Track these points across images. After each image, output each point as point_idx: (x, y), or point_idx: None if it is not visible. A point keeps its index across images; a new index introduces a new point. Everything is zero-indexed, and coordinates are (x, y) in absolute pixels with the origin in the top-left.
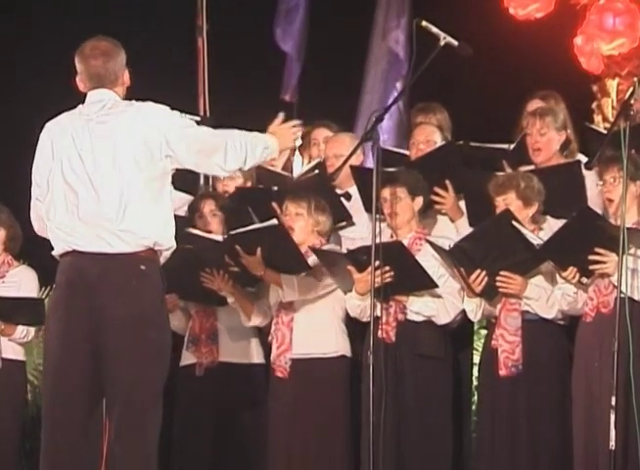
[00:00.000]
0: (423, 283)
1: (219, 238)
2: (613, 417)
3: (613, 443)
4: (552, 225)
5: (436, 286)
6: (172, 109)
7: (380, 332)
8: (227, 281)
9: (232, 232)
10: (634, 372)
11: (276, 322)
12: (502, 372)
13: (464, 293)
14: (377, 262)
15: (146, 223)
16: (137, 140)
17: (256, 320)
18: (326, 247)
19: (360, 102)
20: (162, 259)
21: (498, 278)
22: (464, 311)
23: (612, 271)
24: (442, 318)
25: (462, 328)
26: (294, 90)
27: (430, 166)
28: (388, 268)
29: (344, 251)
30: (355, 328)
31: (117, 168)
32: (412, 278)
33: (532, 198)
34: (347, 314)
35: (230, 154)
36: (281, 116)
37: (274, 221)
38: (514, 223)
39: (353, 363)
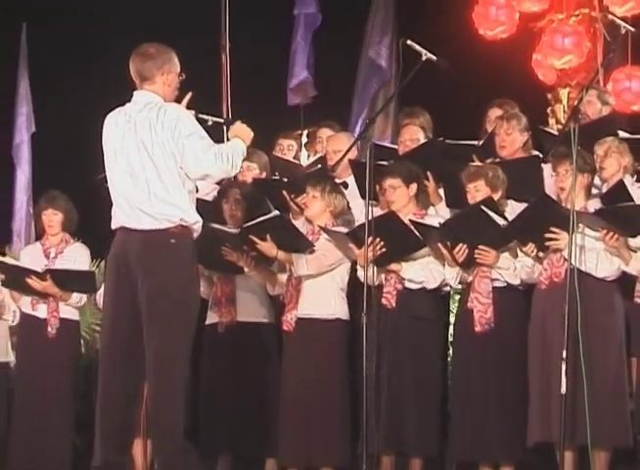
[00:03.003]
0: (415, 244)
1: (235, 231)
2: (564, 367)
3: (564, 388)
4: (515, 208)
5: (424, 245)
6: (201, 112)
7: (383, 299)
8: (251, 264)
9: (244, 225)
10: (581, 330)
11: (287, 285)
12: (477, 329)
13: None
14: (370, 239)
15: (171, 206)
16: (157, 141)
17: (280, 289)
18: (335, 228)
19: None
20: (196, 234)
21: (476, 251)
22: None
23: (563, 247)
24: (431, 284)
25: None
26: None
27: (414, 160)
28: (379, 240)
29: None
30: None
31: (145, 163)
32: (405, 241)
33: (498, 185)
34: (356, 283)
35: (219, 163)
36: (238, 122)
37: (276, 212)
38: (484, 209)
39: (354, 325)
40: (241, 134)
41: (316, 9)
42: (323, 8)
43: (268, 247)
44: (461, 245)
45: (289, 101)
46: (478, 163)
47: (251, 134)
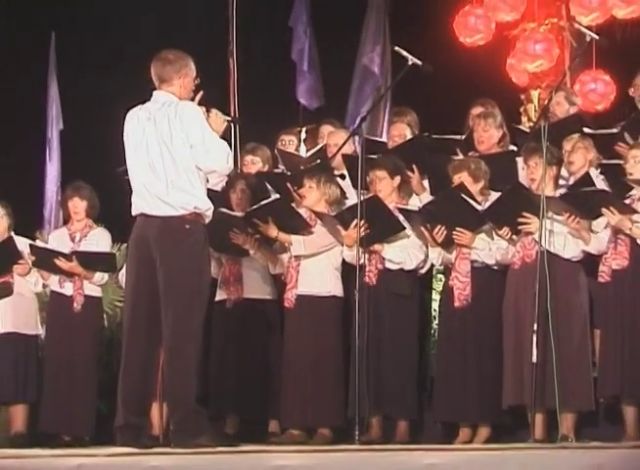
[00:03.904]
0: (395, 227)
1: (241, 214)
2: (534, 339)
3: (534, 357)
4: (494, 196)
5: (404, 228)
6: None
7: (365, 277)
8: (255, 245)
9: (248, 209)
10: (550, 305)
11: (288, 266)
12: (457, 304)
13: (428, 246)
14: (355, 222)
15: (187, 194)
16: (175, 135)
17: (279, 269)
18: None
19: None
20: (208, 220)
21: (454, 232)
22: (424, 261)
23: (534, 230)
24: (408, 265)
25: (426, 274)
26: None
27: (402, 153)
28: (364, 222)
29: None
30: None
31: (163, 155)
32: (387, 224)
33: (480, 176)
34: (342, 263)
35: (229, 162)
36: (213, 111)
37: (277, 196)
38: (462, 195)
39: (346, 301)
40: (215, 126)
41: (306, 24)
42: (320, 18)
43: (270, 229)
44: (440, 227)
45: (306, 104)
46: (461, 156)
47: (225, 125)
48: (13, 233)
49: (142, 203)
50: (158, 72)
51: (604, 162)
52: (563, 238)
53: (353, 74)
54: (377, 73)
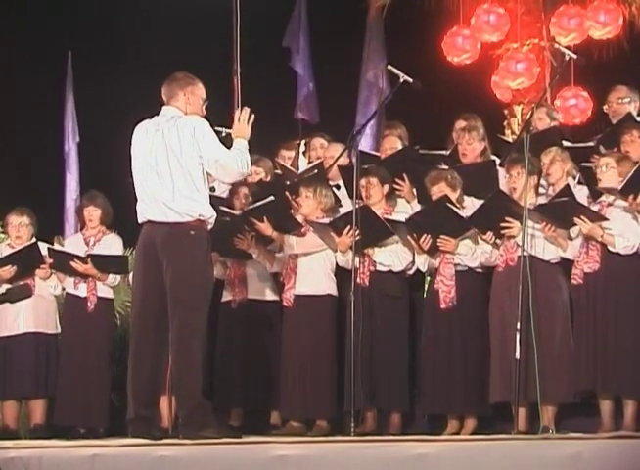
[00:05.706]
0: (384, 232)
1: (238, 213)
2: (518, 337)
3: (518, 354)
4: (475, 203)
5: (393, 234)
6: (215, 125)
7: (358, 279)
8: (253, 242)
9: (245, 209)
10: (532, 306)
11: (286, 267)
12: (442, 306)
13: (414, 251)
14: (348, 227)
15: (193, 201)
16: (183, 146)
17: (276, 268)
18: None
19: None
20: (210, 226)
21: (439, 240)
22: (412, 263)
23: (516, 233)
24: (397, 267)
25: (416, 276)
26: (306, 108)
27: (393, 164)
28: (356, 229)
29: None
30: (343, 275)
31: (170, 165)
32: (376, 230)
33: (457, 186)
34: (336, 266)
35: (240, 168)
36: (237, 112)
37: (271, 198)
38: (448, 204)
39: (340, 300)
40: (241, 133)
41: (301, 44)
42: (322, 35)
43: (265, 227)
44: (425, 235)
45: (300, 114)
46: (445, 167)
47: (249, 130)
48: (35, 239)
49: (148, 210)
50: (165, 90)
51: (583, 164)
52: (542, 241)
53: (359, 89)
54: (383, 88)
